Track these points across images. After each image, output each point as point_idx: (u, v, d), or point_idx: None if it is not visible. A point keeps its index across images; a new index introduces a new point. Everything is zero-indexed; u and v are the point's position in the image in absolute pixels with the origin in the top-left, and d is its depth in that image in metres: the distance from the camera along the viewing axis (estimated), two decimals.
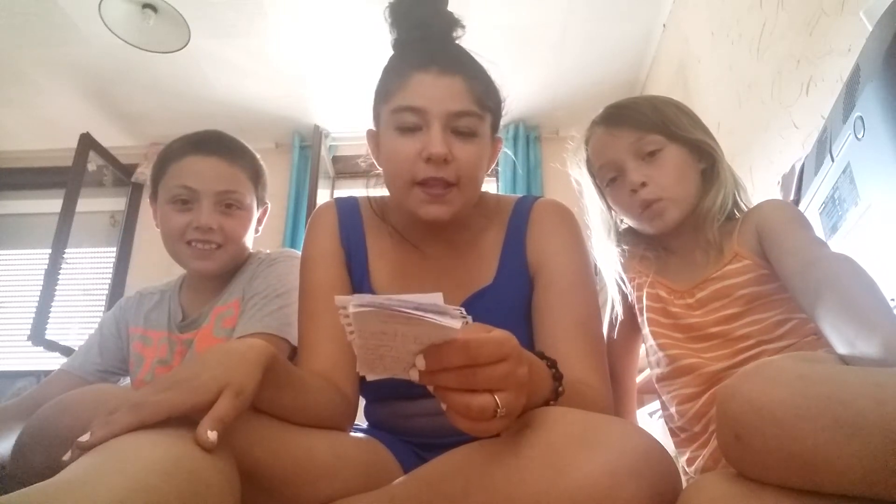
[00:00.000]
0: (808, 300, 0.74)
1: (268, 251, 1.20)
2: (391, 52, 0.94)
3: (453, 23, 0.91)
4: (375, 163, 0.95)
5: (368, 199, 1.00)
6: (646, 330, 0.97)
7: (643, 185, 0.93)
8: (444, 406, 0.52)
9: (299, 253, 1.16)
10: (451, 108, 0.82)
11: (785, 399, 0.47)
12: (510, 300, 0.90)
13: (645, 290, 0.97)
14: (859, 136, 1.00)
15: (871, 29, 1.06)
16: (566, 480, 0.50)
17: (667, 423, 0.97)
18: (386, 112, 0.86)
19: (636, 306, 1.00)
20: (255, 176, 1.18)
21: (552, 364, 0.66)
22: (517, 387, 0.52)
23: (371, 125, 0.96)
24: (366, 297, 0.48)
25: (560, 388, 0.66)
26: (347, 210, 0.98)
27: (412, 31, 0.91)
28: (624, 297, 1.05)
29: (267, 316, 1.04)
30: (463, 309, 0.49)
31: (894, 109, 0.92)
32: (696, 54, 2.34)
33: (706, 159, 0.98)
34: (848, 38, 1.31)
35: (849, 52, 1.30)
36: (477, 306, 0.89)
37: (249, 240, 1.21)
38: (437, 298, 0.48)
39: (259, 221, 1.23)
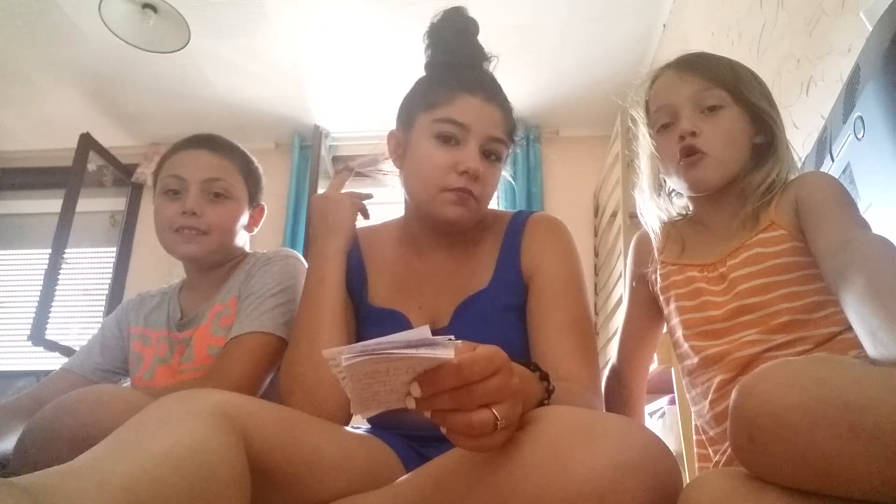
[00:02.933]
0: (836, 282, 0.70)
1: (264, 251, 1.21)
2: (423, 69, 1.02)
3: (483, 55, 1.00)
4: (393, 162, 1.00)
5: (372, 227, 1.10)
6: (675, 320, 0.94)
7: (693, 134, 0.91)
8: (444, 430, 0.53)
9: (296, 252, 1.19)
10: (489, 132, 0.92)
11: (801, 404, 0.46)
12: (503, 303, 0.93)
13: (672, 279, 0.95)
14: (859, 136, 1.00)
15: (871, 29, 1.06)
16: (569, 475, 0.51)
17: (696, 420, 0.93)
18: (426, 119, 0.93)
19: (661, 297, 0.98)
20: (246, 171, 1.21)
21: (536, 367, 0.68)
22: (512, 396, 0.54)
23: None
24: (356, 347, 0.48)
25: (550, 387, 0.67)
26: None
27: (447, 55, 0.99)
28: (643, 294, 1.03)
29: (263, 314, 1.05)
30: (452, 336, 0.50)
31: (894, 109, 0.92)
32: None
33: (765, 133, 0.94)
34: (848, 38, 1.31)
35: (849, 52, 1.30)
36: (471, 308, 0.94)
37: (245, 238, 1.23)
38: (424, 332, 0.49)
39: (255, 221, 1.25)
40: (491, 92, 0.95)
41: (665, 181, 1.03)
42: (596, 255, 3.17)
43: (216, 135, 1.21)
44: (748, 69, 0.97)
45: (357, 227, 1.08)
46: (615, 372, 1.11)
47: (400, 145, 0.98)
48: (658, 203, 1.02)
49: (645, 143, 1.01)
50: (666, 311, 0.97)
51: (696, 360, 0.89)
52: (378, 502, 0.69)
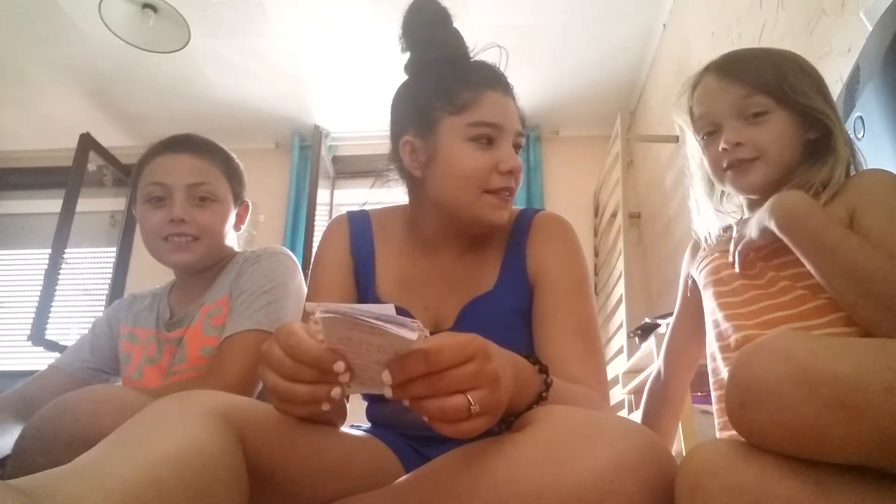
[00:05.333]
0: None
1: (253, 249, 1.21)
2: (409, 68, 0.98)
3: (463, 42, 0.97)
4: (411, 170, 0.94)
5: (387, 210, 1.05)
6: (712, 304, 0.93)
7: (738, 145, 0.88)
8: (425, 417, 0.54)
9: (285, 249, 1.19)
10: (516, 127, 0.92)
11: (791, 375, 0.47)
12: (509, 305, 0.93)
13: (712, 264, 0.95)
14: (859, 136, 1.00)
15: (871, 29, 1.06)
16: (569, 475, 0.51)
17: (719, 403, 0.93)
18: (457, 123, 0.89)
19: (701, 283, 0.97)
20: (229, 170, 1.20)
21: (535, 360, 0.69)
22: (489, 383, 0.54)
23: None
24: (330, 305, 0.52)
25: (549, 380, 0.67)
26: (358, 223, 1.03)
27: (432, 52, 0.95)
28: (693, 299, 1.02)
29: (256, 312, 1.05)
30: (419, 322, 0.52)
31: (894, 109, 0.92)
32: (696, 54, 2.34)
33: (817, 129, 0.89)
34: (848, 38, 1.31)
35: (849, 52, 1.30)
36: (476, 310, 0.92)
37: (233, 238, 1.22)
38: (389, 309, 0.52)
39: (241, 219, 1.25)
40: (505, 82, 0.94)
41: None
42: (596, 255, 3.17)
43: (193, 135, 1.20)
44: (795, 62, 0.92)
45: (370, 208, 1.06)
46: (660, 379, 1.13)
47: (419, 151, 0.92)
48: (713, 206, 1.01)
49: (693, 149, 1.00)
50: (705, 296, 0.96)
51: (734, 337, 0.87)
52: (377, 503, 0.68)
